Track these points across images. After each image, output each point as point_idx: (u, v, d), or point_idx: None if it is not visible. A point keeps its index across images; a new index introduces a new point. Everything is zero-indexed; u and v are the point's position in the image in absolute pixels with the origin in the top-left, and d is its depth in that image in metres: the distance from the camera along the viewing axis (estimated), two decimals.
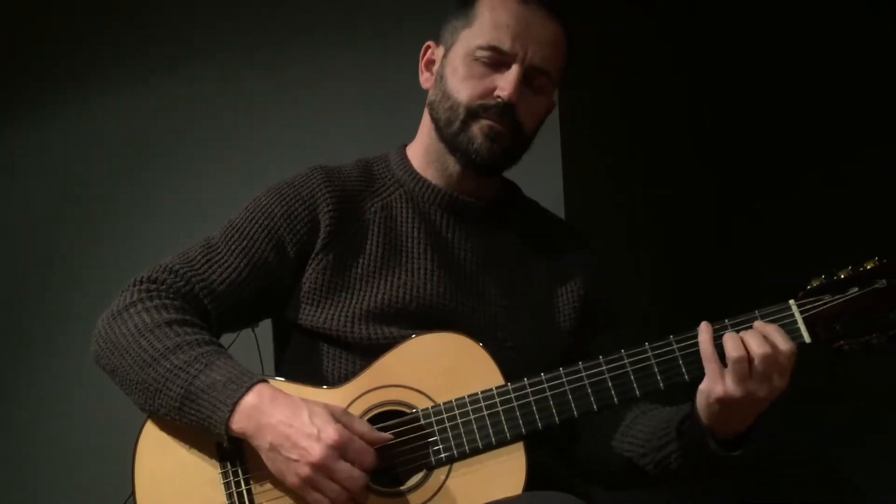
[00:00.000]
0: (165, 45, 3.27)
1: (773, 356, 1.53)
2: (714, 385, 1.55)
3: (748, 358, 1.53)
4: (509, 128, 1.75)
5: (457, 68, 1.77)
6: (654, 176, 3.34)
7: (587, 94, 2.91)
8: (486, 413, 1.62)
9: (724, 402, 1.55)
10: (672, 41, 3.56)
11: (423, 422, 1.63)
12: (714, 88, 3.68)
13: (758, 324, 1.57)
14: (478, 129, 1.75)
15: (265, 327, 1.94)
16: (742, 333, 1.56)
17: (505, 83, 1.73)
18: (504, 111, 1.74)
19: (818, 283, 1.60)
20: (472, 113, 1.75)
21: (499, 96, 1.73)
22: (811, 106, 3.44)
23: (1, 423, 3.34)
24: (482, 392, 1.63)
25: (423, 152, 1.85)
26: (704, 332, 1.58)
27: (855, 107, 3.33)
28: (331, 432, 1.53)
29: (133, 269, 1.77)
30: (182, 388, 1.60)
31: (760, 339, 1.54)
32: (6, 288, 3.39)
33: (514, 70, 1.74)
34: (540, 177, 1.94)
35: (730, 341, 1.55)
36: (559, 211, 2.55)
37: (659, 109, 3.43)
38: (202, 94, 3.19)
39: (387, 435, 1.60)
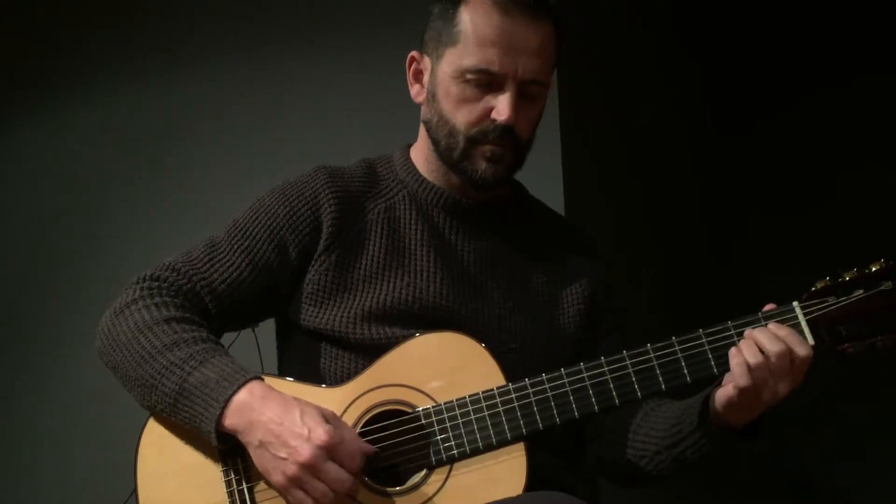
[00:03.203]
0: (166, 45, 3.27)
1: (787, 358, 1.53)
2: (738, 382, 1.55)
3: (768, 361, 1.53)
4: (510, 147, 1.73)
5: (448, 90, 1.73)
6: (654, 176, 3.34)
7: (587, 95, 2.91)
8: (486, 413, 1.62)
9: (744, 396, 1.55)
10: (672, 42, 3.57)
11: (423, 421, 1.62)
12: (714, 89, 3.68)
13: (772, 326, 1.57)
14: (480, 155, 1.73)
15: (265, 327, 1.93)
16: (758, 335, 1.56)
17: (501, 106, 1.69)
18: (504, 133, 1.71)
19: (823, 284, 1.59)
20: (473, 140, 1.73)
21: (495, 118, 1.70)
22: (813, 107, 3.44)
23: (4, 420, 3.34)
24: (483, 392, 1.62)
25: (424, 160, 1.84)
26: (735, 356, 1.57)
27: (857, 109, 3.33)
28: (321, 433, 1.52)
29: (133, 269, 1.77)
30: (176, 384, 1.60)
31: (776, 341, 1.54)
32: (7, 287, 3.39)
33: (509, 92, 1.69)
34: (540, 179, 1.93)
35: (747, 348, 1.55)
36: (559, 212, 2.55)
37: (660, 110, 3.43)
38: (202, 94, 3.19)
39: (372, 447, 1.59)
